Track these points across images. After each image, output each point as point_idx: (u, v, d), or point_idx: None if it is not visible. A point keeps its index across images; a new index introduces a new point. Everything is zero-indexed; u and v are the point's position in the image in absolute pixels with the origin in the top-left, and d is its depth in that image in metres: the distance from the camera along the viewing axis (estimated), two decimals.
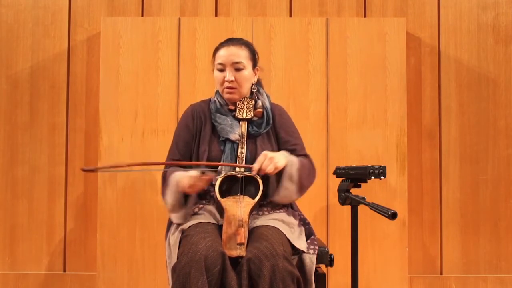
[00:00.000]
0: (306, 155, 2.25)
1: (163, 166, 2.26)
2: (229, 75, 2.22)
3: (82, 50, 3.40)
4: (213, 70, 2.30)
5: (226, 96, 2.26)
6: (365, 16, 3.43)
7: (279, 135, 2.28)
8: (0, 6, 3.41)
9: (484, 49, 3.43)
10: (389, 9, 3.44)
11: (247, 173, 2.11)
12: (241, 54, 2.23)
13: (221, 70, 2.25)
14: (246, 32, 3.19)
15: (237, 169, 2.12)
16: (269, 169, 2.02)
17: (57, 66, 3.40)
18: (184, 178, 2.04)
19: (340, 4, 3.43)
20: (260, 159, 2.03)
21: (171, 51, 3.21)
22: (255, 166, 2.03)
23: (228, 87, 2.23)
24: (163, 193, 2.17)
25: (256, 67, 2.32)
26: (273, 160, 2.03)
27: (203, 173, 2.00)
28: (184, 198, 2.11)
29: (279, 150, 2.23)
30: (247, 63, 2.25)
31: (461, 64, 3.42)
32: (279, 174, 2.09)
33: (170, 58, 3.21)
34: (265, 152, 2.06)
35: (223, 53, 2.24)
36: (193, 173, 2.01)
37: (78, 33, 3.40)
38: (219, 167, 2.16)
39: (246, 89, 2.26)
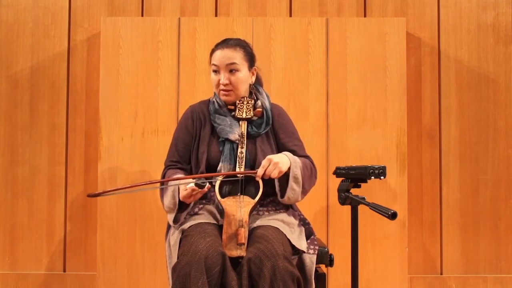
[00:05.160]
0: (306, 156, 2.25)
1: (168, 182, 2.25)
2: (223, 77, 2.22)
3: (82, 50, 3.40)
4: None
5: (222, 98, 2.26)
6: (365, 16, 3.43)
7: (278, 136, 2.28)
8: (0, 6, 3.41)
9: (484, 49, 3.43)
10: (389, 9, 3.44)
11: (254, 178, 2.10)
12: (235, 56, 2.22)
13: (216, 72, 2.25)
14: (246, 32, 3.19)
15: (237, 169, 2.12)
16: (273, 174, 2.02)
17: (57, 66, 3.40)
18: (182, 187, 2.04)
19: (340, 4, 3.43)
20: (264, 164, 2.03)
21: (171, 51, 3.21)
22: (259, 172, 2.03)
23: (223, 90, 2.23)
24: (161, 194, 2.18)
25: (254, 67, 2.31)
26: (277, 165, 2.03)
27: (200, 186, 1.97)
28: (179, 204, 2.11)
29: (278, 151, 2.23)
30: (241, 64, 2.24)
31: (461, 64, 3.42)
32: (284, 175, 2.09)
33: (170, 58, 3.21)
34: (269, 156, 2.05)
35: (217, 55, 2.23)
36: (190, 185, 1.99)
37: (78, 33, 3.40)
38: (219, 167, 2.16)
39: (242, 91, 2.26)
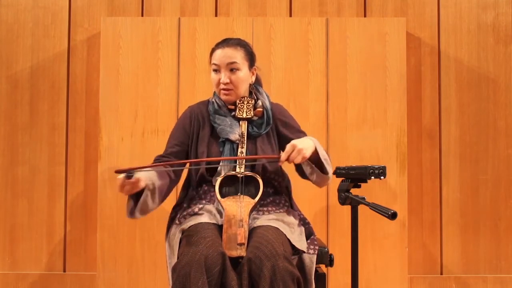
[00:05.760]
0: None
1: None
2: (224, 77, 2.21)
3: (82, 50, 3.40)
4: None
5: (222, 97, 2.26)
6: (365, 16, 3.43)
7: (284, 134, 2.27)
8: (0, 6, 3.41)
9: (484, 49, 3.43)
10: (389, 9, 3.44)
11: (247, 173, 2.11)
12: (236, 55, 2.22)
13: (216, 71, 2.25)
14: (246, 32, 3.19)
15: (237, 169, 2.12)
16: (296, 160, 2.02)
17: (57, 66, 3.40)
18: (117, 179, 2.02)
19: (340, 4, 3.43)
20: (288, 149, 2.02)
21: (171, 51, 3.21)
22: (283, 157, 2.02)
23: (224, 89, 2.23)
24: None
25: (254, 67, 2.31)
26: (301, 151, 2.01)
27: (128, 177, 1.96)
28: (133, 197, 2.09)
29: (283, 150, 2.22)
30: (242, 63, 2.24)
31: (461, 64, 3.42)
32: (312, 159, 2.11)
33: (170, 58, 3.21)
34: (293, 142, 2.04)
35: (218, 55, 2.23)
36: (120, 176, 1.98)
37: (78, 33, 3.40)
38: (219, 168, 2.17)
39: (242, 90, 2.26)
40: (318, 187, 2.26)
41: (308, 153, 2.04)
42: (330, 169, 2.15)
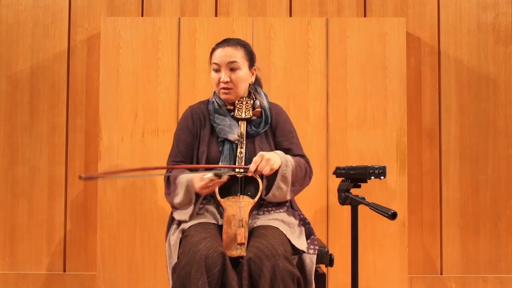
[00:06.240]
0: (302, 155, 2.25)
1: (163, 170, 2.26)
2: (224, 76, 2.22)
3: (82, 50, 3.40)
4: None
5: (222, 96, 2.26)
6: (365, 16, 3.43)
7: (275, 134, 2.28)
8: (0, 6, 3.41)
9: (484, 49, 3.43)
10: (389, 9, 3.44)
11: (246, 173, 2.11)
12: (236, 54, 2.23)
13: (217, 71, 2.25)
14: (246, 32, 3.19)
15: (237, 169, 2.12)
16: (265, 170, 2.03)
17: (57, 66, 3.40)
18: (197, 179, 2.05)
19: (340, 4, 3.43)
20: (256, 159, 2.04)
21: (171, 51, 3.21)
22: (252, 167, 2.03)
23: (223, 88, 2.23)
24: (169, 192, 2.18)
25: (253, 67, 2.31)
26: (269, 161, 2.03)
27: (219, 176, 1.99)
28: (195, 197, 2.12)
29: (276, 149, 2.23)
30: (242, 63, 2.24)
31: (461, 64, 3.42)
32: (274, 173, 2.09)
33: (170, 58, 3.21)
34: (261, 152, 2.06)
35: (218, 54, 2.24)
36: (208, 175, 2.01)
37: (78, 33, 3.40)
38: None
39: (242, 89, 2.26)
40: (273, 200, 2.19)
41: (276, 165, 2.06)
42: (285, 188, 2.12)
